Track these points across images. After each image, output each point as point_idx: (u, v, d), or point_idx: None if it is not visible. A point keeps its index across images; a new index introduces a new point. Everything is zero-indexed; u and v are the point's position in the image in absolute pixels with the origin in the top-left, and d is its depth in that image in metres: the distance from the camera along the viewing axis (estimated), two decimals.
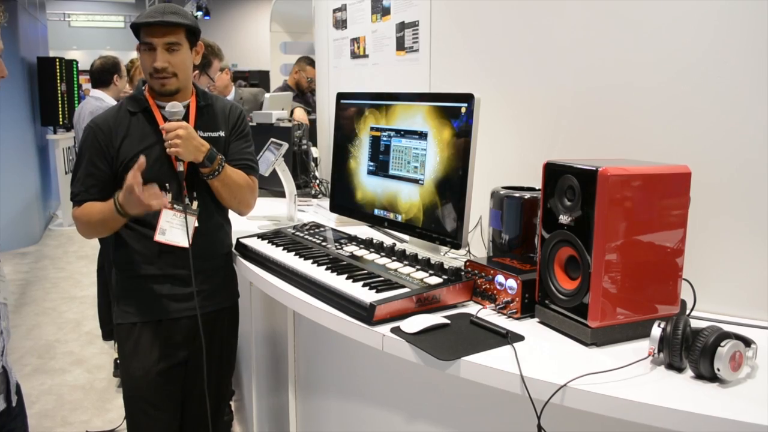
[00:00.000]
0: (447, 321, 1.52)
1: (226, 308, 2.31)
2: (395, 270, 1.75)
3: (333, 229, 2.27)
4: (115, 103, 4.17)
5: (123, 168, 2.07)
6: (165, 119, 2.11)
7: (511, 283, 1.56)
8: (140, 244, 2.13)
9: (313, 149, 3.34)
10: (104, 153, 2.10)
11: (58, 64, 8.62)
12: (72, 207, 2.17)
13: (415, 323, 1.48)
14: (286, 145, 2.49)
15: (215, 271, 2.24)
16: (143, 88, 2.19)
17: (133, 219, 2.08)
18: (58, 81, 8.53)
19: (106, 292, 4.44)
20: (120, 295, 2.22)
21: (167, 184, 2.09)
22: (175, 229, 2.10)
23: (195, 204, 2.14)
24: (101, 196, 2.09)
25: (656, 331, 1.28)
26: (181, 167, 2.08)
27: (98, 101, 4.37)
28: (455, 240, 1.86)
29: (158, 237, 2.07)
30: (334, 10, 3.07)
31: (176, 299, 2.17)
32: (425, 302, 1.59)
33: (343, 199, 2.36)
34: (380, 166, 2.15)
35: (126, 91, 4.56)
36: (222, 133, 2.21)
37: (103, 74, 4.57)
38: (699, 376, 1.23)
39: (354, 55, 2.93)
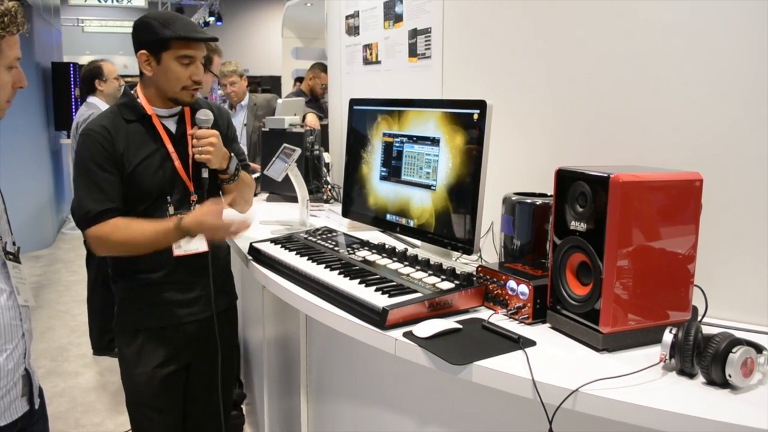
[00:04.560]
0: (459, 326, 1.53)
1: (227, 310, 2.33)
2: (407, 275, 1.76)
3: (345, 234, 2.28)
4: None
5: (125, 179, 2.04)
6: (191, 125, 2.13)
7: (523, 288, 1.57)
8: None
9: (325, 155, 3.36)
10: (111, 158, 2.03)
11: (72, 69, 8.70)
12: (90, 225, 2.00)
13: (427, 328, 1.49)
14: (299, 151, 2.51)
15: (217, 274, 2.25)
16: (134, 94, 2.12)
17: None
18: (72, 86, 8.61)
19: (100, 305, 4.48)
20: (122, 302, 2.19)
21: (168, 197, 2.09)
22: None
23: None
24: (123, 206, 2.04)
25: (668, 337, 1.28)
26: (205, 174, 2.10)
27: (90, 107, 4.39)
28: (467, 245, 1.87)
29: (176, 251, 2.10)
30: (347, 17, 3.09)
31: (179, 305, 2.17)
32: (437, 307, 1.60)
33: (356, 204, 2.38)
34: (393, 171, 2.17)
35: None
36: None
37: (85, 82, 4.61)
38: (710, 382, 1.23)
39: (366, 62, 2.95)
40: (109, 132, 2.03)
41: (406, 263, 1.86)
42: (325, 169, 3.32)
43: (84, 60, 12.27)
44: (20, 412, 1.60)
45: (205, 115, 2.11)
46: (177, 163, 2.10)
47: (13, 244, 1.66)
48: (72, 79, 8.62)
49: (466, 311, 1.65)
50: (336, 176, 3.29)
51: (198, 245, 2.13)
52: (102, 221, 2.00)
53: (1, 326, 1.54)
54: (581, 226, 1.43)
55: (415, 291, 1.64)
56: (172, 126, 2.14)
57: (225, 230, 2.02)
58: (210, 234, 2.04)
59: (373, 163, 2.27)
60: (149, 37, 2.03)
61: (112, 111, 2.13)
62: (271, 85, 11.94)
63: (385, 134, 2.21)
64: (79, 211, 2.03)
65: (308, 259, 1.98)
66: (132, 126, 2.08)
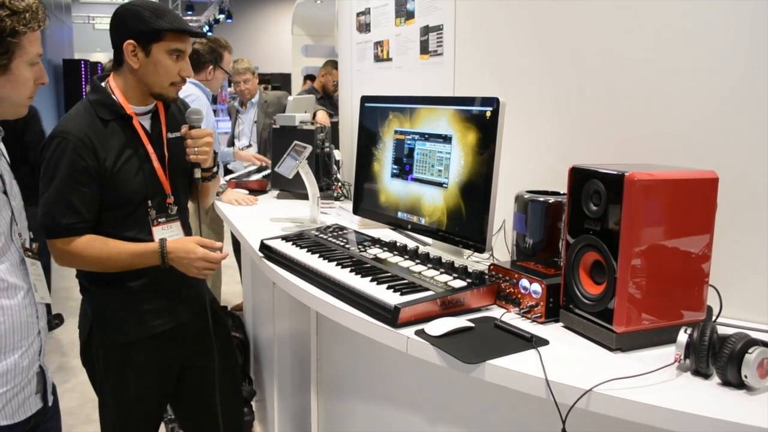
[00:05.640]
0: (471, 324, 1.52)
1: (206, 309, 2.28)
2: (419, 273, 1.76)
3: (356, 232, 2.28)
4: None
5: (106, 185, 1.95)
6: (174, 124, 2.11)
7: (536, 287, 1.56)
8: None
9: (335, 152, 3.36)
10: (88, 169, 1.90)
11: (83, 65, 8.75)
12: (58, 236, 1.91)
13: (439, 326, 1.49)
14: (309, 148, 2.50)
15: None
16: (107, 89, 2.00)
17: (122, 235, 1.99)
18: (83, 83, 8.66)
19: None
20: (102, 315, 2.06)
21: (150, 201, 2.02)
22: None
23: (175, 209, 2.11)
24: (95, 218, 1.95)
25: (683, 337, 1.27)
26: (198, 174, 2.07)
27: None
28: (479, 243, 1.86)
29: None
30: (358, 14, 3.09)
31: (166, 311, 2.11)
32: (449, 305, 1.60)
33: (367, 202, 2.38)
34: (404, 169, 2.16)
35: None
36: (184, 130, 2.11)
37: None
38: (726, 383, 1.22)
39: (377, 59, 2.94)
40: (89, 138, 1.91)
41: (418, 261, 1.85)
42: (335, 167, 3.32)
43: (95, 57, 12.34)
44: (34, 409, 1.61)
45: (197, 113, 2.06)
46: (156, 164, 2.03)
47: (32, 240, 1.66)
48: (83, 75, 8.67)
49: (478, 310, 1.65)
50: (346, 174, 3.28)
51: None
52: (72, 235, 1.91)
53: (17, 324, 1.54)
54: (595, 225, 1.42)
55: (427, 289, 1.64)
56: (147, 124, 2.06)
57: (207, 268, 1.99)
58: (187, 267, 1.98)
59: (384, 161, 2.26)
60: (140, 26, 1.91)
61: (86, 110, 1.98)
62: (281, 82, 11.95)
63: (396, 131, 2.21)
64: (44, 219, 1.91)
65: (319, 257, 1.98)
66: (109, 127, 1.96)
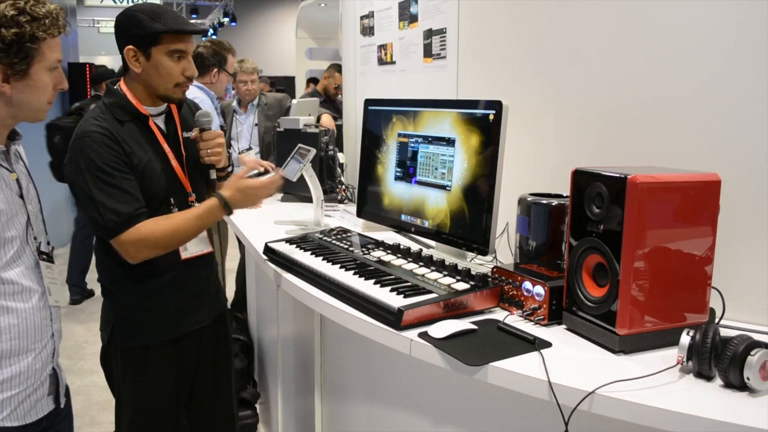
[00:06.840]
0: (474, 327, 1.52)
1: (224, 312, 2.31)
2: (422, 275, 1.76)
3: (360, 234, 2.28)
4: None
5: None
6: (188, 127, 2.12)
7: (539, 289, 1.56)
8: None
9: (339, 155, 3.36)
10: (123, 159, 1.90)
11: (88, 69, 8.77)
12: (124, 229, 1.86)
13: (442, 328, 1.49)
14: (314, 151, 2.51)
15: (214, 277, 2.25)
16: (121, 92, 2.00)
17: None
18: (88, 86, 8.68)
19: None
20: (125, 315, 2.06)
21: (171, 199, 2.02)
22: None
23: None
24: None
25: (685, 339, 1.27)
26: (214, 175, 2.10)
27: None
28: (482, 246, 1.87)
29: (183, 254, 2.05)
30: (362, 17, 3.10)
31: (188, 312, 2.12)
32: (453, 308, 1.60)
33: (370, 205, 2.38)
34: (407, 172, 2.17)
35: None
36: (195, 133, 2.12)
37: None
38: (728, 385, 1.22)
39: (381, 62, 2.95)
40: (111, 133, 1.91)
41: (421, 264, 1.86)
42: (339, 170, 3.32)
43: (100, 60, 12.39)
44: (46, 411, 1.62)
45: (206, 116, 2.08)
46: (175, 163, 2.05)
47: (48, 243, 1.68)
48: (88, 79, 8.69)
49: (481, 312, 1.65)
50: (350, 177, 3.29)
51: (203, 247, 2.13)
52: (136, 224, 1.87)
53: (30, 327, 1.56)
54: (598, 228, 1.42)
55: (430, 292, 1.64)
56: (161, 125, 2.07)
57: (265, 191, 2.02)
58: (253, 200, 2.01)
59: (387, 164, 2.27)
60: (137, 31, 1.91)
61: (102, 111, 1.97)
62: (285, 85, 11.97)
63: (400, 134, 2.22)
64: (105, 218, 1.85)
65: (323, 259, 1.99)
66: (126, 127, 1.96)
